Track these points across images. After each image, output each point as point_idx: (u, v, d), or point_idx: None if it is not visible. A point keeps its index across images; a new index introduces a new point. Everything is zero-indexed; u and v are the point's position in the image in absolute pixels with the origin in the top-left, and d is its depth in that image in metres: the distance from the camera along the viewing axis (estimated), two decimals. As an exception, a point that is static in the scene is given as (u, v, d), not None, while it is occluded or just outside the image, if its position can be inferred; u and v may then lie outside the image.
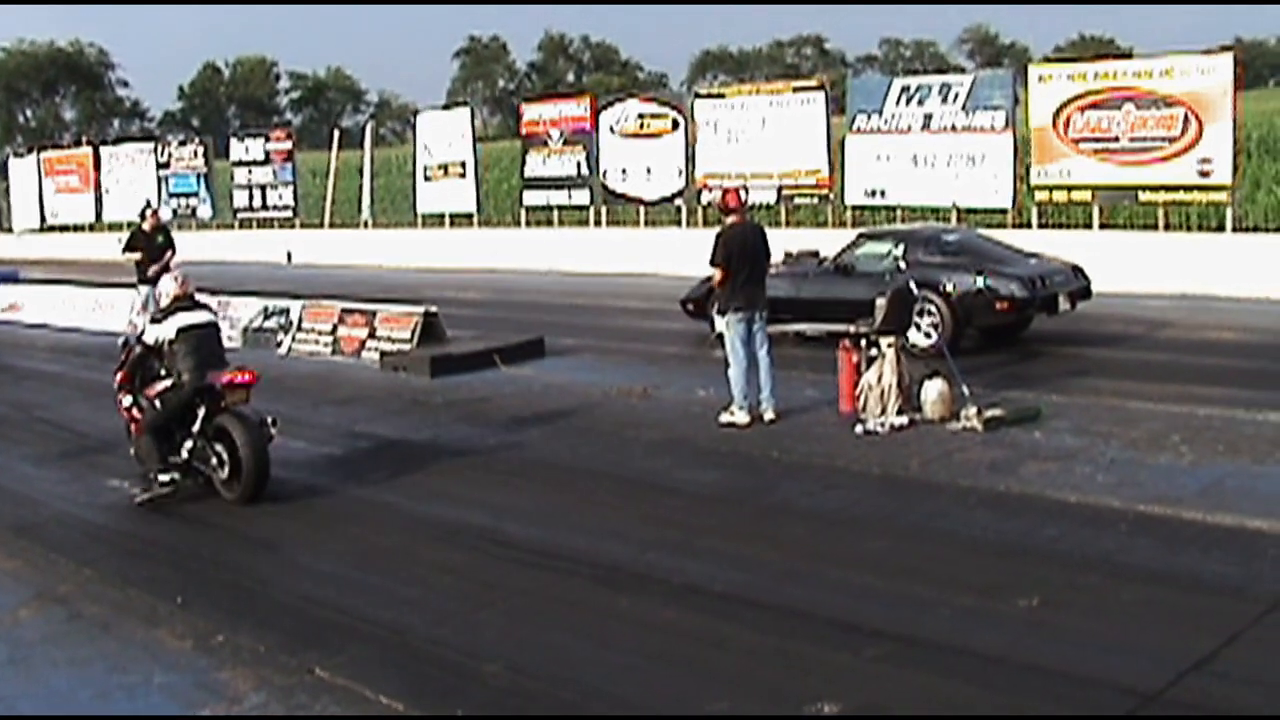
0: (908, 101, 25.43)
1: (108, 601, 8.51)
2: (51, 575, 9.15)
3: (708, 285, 17.96)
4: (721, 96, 29.93)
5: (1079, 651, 6.64)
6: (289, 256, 38.36)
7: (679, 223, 30.13)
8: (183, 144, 45.39)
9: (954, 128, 24.64)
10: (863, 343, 12.72)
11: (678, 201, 30.00)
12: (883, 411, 12.14)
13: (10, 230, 49.12)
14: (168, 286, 11.22)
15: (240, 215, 41.04)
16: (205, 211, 42.14)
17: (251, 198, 40.53)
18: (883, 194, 25.87)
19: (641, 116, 30.72)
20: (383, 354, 17.51)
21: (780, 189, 27.67)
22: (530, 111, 34.05)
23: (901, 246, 16.58)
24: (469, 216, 34.80)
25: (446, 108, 41.52)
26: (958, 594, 7.59)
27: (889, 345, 12.38)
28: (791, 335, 16.40)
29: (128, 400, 11.23)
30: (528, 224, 33.86)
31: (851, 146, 26.47)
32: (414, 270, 32.64)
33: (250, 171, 40.46)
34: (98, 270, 26.52)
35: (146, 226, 20.26)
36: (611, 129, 31.21)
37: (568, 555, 8.91)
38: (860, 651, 6.84)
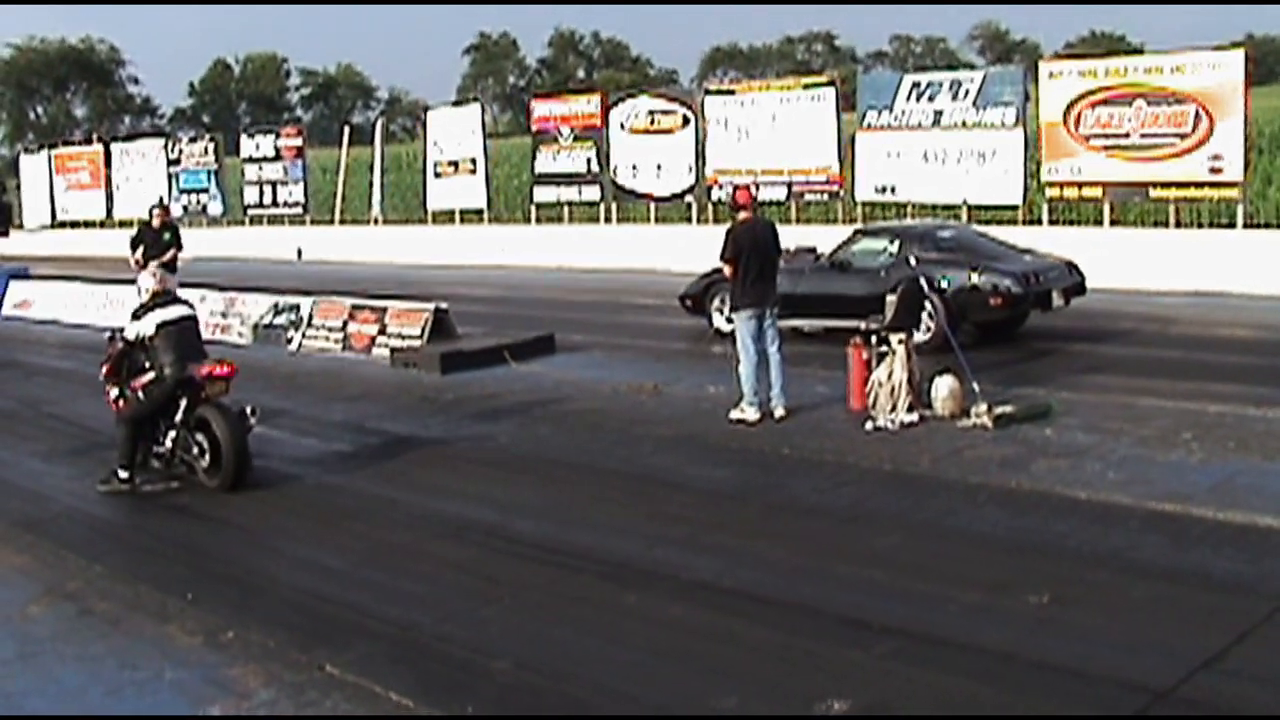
0: (918, 98, 25.40)
1: (117, 598, 8.51)
2: (61, 571, 9.16)
3: (706, 281, 18.08)
4: (732, 93, 29.89)
5: (1089, 648, 6.63)
6: (299, 253, 38.38)
7: (689, 219, 30.11)
8: (193, 141, 45.46)
9: (964, 124, 24.61)
10: (873, 339, 12.71)
11: (688, 198, 29.99)
12: (893, 408, 12.13)
13: (21, 226, 49.18)
14: (146, 283, 11.58)
15: (251, 212, 41.06)
16: (216, 208, 42.18)
17: (262, 194, 40.57)
18: (893, 191, 25.87)
19: (652, 113, 30.70)
20: (393, 350, 17.52)
21: (790, 185, 27.65)
22: (541, 108, 34.09)
23: (897, 243, 16.70)
24: (479, 213, 34.81)
25: (457, 104, 41.49)
26: (967, 591, 7.57)
27: (899, 342, 12.36)
28: (787, 331, 16.39)
29: (115, 392, 11.57)
30: (538, 220, 33.88)
31: (862, 143, 26.42)
32: (424, 267, 32.62)
33: (261, 168, 40.48)
34: (108, 267, 26.51)
35: (155, 223, 20.28)
36: (622, 125, 31.20)
37: (576, 551, 8.91)
38: (869, 648, 6.82)
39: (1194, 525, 8.66)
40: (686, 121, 29.88)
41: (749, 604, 7.67)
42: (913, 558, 8.35)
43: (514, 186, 38.78)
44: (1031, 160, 24.04)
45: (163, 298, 11.38)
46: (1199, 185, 21.74)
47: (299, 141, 40.08)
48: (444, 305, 18.14)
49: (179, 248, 20.13)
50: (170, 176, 43.07)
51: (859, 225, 20.83)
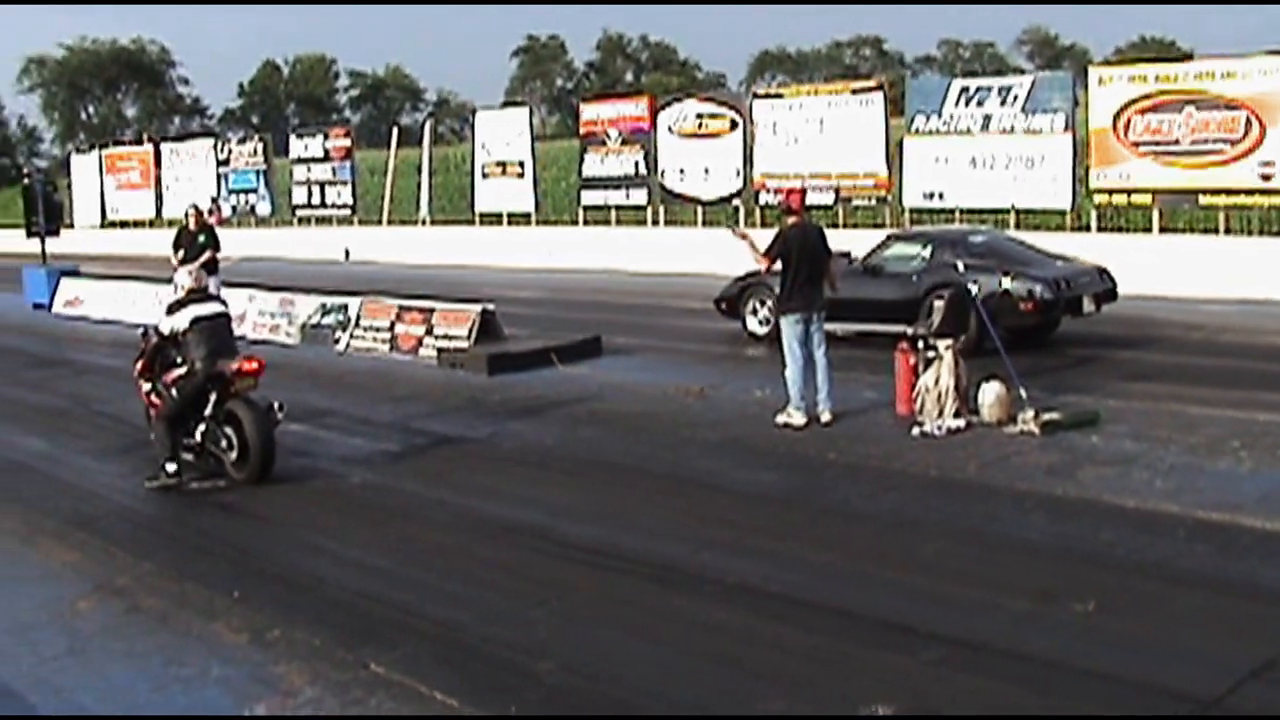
0: (966, 103, 25.31)
1: (165, 594, 8.60)
2: (110, 568, 9.26)
3: (740, 284, 18.10)
4: (780, 97, 29.88)
5: (1135, 657, 6.60)
6: (346, 254, 38.57)
7: (737, 223, 30.03)
8: (242, 141, 45.83)
9: (1013, 129, 24.52)
10: (920, 345, 12.68)
11: (735, 202, 29.98)
12: (940, 414, 12.10)
13: (72, 225, 49.58)
14: (183, 279, 11.96)
15: (299, 212, 41.34)
16: (264, 208, 42.49)
17: (310, 195, 40.83)
18: (941, 196, 25.76)
19: (700, 116, 30.73)
20: (440, 351, 17.58)
21: (838, 190, 27.58)
22: (589, 111, 34.16)
23: (929, 248, 16.72)
24: (527, 215, 34.92)
25: (505, 106, 41.69)
26: (1013, 598, 7.55)
27: (946, 348, 12.32)
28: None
29: (147, 386, 11.90)
30: (585, 223, 33.89)
31: (910, 148, 26.37)
32: (471, 268, 32.72)
33: (309, 169, 40.75)
34: (157, 266, 26.67)
35: (191, 225, 20.28)
36: (670, 129, 31.23)
37: (622, 554, 8.92)
38: (915, 654, 6.81)
39: (1242, 535, 8.60)
40: (734, 125, 29.89)
41: (794, 608, 7.67)
42: (958, 564, 8.33)
43: (562, 189, 38.81)
44: (1080, 166, 23.90)
45: (198, 294, 11.66)
46: (1249, 192, 21.58)
47: (347, 142, 40.28)
48: (491, 306, 18.18)
49: (216, 249, 20.09)
50: (219, 177, 43.43)
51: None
